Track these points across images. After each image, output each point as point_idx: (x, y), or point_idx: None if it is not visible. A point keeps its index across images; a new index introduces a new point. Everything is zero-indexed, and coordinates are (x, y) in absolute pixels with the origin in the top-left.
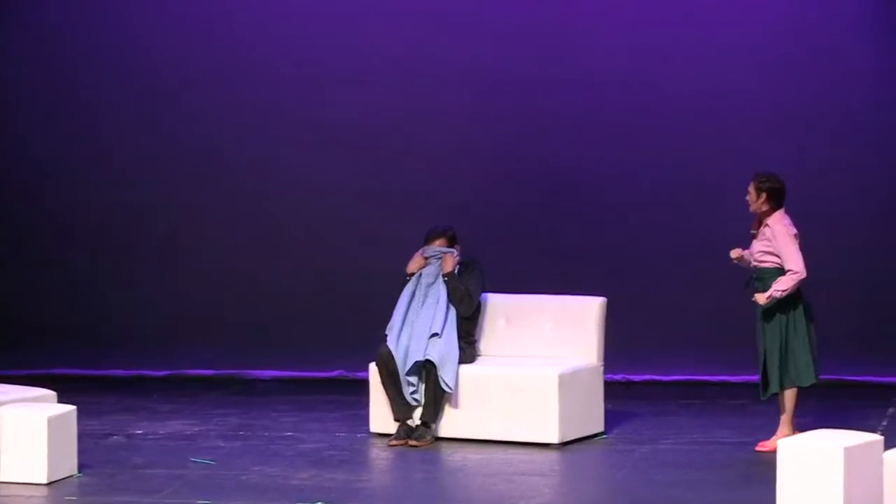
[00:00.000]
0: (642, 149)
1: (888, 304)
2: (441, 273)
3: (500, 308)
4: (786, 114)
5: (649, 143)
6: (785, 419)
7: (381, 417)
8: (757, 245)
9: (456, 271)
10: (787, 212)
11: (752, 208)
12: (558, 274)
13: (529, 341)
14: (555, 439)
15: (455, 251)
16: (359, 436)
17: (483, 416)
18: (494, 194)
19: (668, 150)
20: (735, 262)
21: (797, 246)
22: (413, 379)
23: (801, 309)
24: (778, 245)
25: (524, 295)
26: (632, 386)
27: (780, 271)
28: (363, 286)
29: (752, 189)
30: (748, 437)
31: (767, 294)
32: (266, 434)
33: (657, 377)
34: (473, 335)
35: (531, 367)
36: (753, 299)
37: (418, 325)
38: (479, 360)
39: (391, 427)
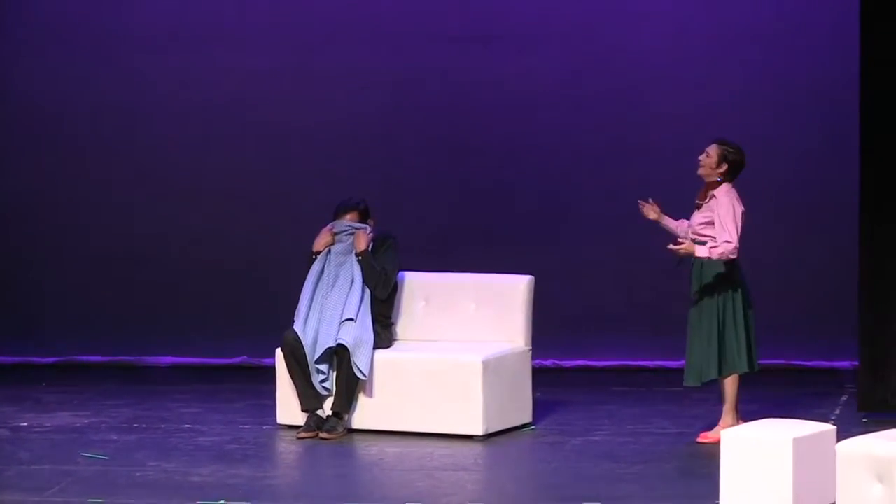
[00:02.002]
0: (572, 120)
1: (840, 285)
2: (353, 251)
3: (419, 288)
4: (729, 90)
5: (580, 114)
6: (727, 408)
7: (288, 408)
8: (698, 217)
9: (370, 249)
10: (736, 188)
11: (704, 173)
12: (481, 251)
13: (451, 324)
14: (479, 431)
15: (368, 227)
16: (264, 428)
17: (400, 405)
18: (409, 166)
19: (599, 121)
20: (647, 216)
21: (739, 224)
22: (323, 367)
23: (739, 292)
24: (720, 214)
25: (445, 274)
26: (562, 372)
27: None
28: (267, 265)
29: (713, 153)
30: (688, 428)
31: (686, 246)
32: (163, 426)
33: (590, 363)
34: (390, 317)
35: (453, 352)
36: (672, 247)
37: (328, 308)
38: (395, 345)
39: (300, 418)
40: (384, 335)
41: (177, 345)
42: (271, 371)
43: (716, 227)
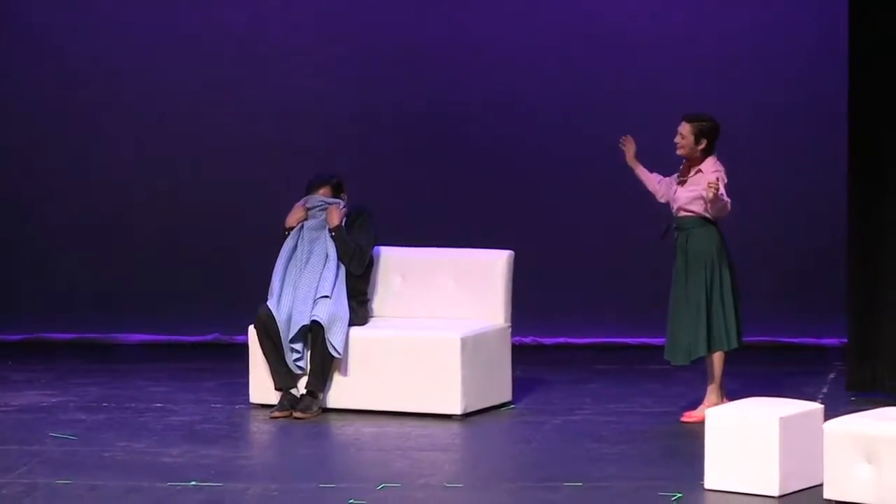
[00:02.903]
0: (551, 87)
1: (829, 261)
2: (327, 227)
3: (396, 263)
4: (714, 62)
5: (558, 81)
6: (713, 387)
7: (261, 387)
8: (683, 193)
9: (343, 224)
10: (721, 161)
11: (684, 153)
12: (458, 226)
13: (428, 300)
14: (457, 410)
15: (341, 202)
16: (237, 407)
17: (376, 384)
18: (385, 139)
19: (578, 89)
20: (626, 154)
21: (724, 184)
22: (297, 345)
23: (727, 266)
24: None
25: (422, 249)
26: (543, 350)
27: (705, 222)
28: (240, 241)
29: (685, 132)
30: (672, 406)
31: (714, 187)
32: (132, 406)
33: (571, 340)
34: (366, 294)
35: (430, 329)
36: (705, 191)
37: (302, 285)
38: (372, 322)
39: (273, 397)
40: (360, 312)
41: (147, 322)
42: (244, 349)
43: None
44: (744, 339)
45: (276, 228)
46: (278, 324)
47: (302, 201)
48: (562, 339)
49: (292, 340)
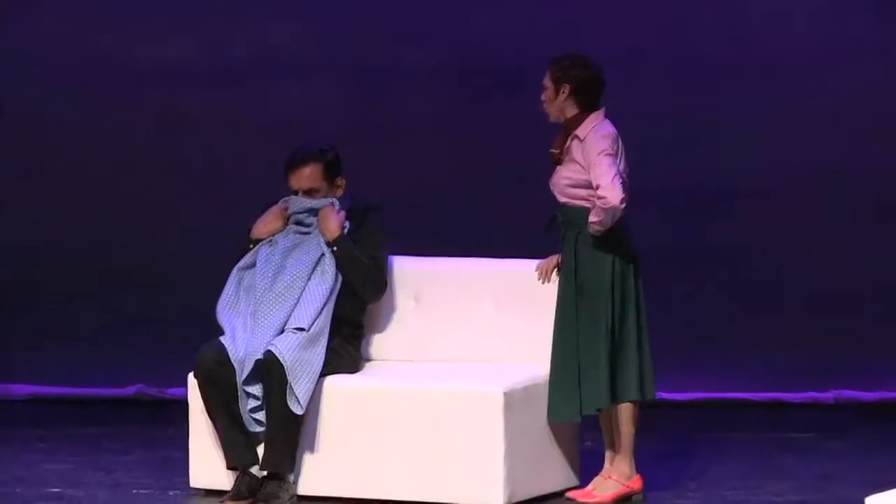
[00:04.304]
0: None
1: None
2: (324, 240)
3: (409, 280)
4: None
5: None
6: (625, 452)
7: (205, 463)
8: (563, 172)
9: (346, 231)
10: (608, 117)
11: (552, 112)
12: (496, 227)
13: (454, 335)
14: (499, 500)
15: (336, 201)
16: (171, 494)
17: (379, 462)
18: (392, 100)
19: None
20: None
21: (616, 164)
22: (254, 388)
23: (638, 276)
24: (590, 157)
25: (447, 259)
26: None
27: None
28: (174, 260)
29: (548, 81)
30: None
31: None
32: (17, 491)
33: (666, 395)
34: (360, 325)
35: (458, 378)
36: (541, 266)
37: (262, 312)
38: (368, 368)
39: (225, 479)
40: (349, 353)
41: (39, 367)
42: (180, 407)
43: (591, 176)
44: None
45: (236, 241)
46: (233, 364)
47: (281, 202)
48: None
49: (246, 381)
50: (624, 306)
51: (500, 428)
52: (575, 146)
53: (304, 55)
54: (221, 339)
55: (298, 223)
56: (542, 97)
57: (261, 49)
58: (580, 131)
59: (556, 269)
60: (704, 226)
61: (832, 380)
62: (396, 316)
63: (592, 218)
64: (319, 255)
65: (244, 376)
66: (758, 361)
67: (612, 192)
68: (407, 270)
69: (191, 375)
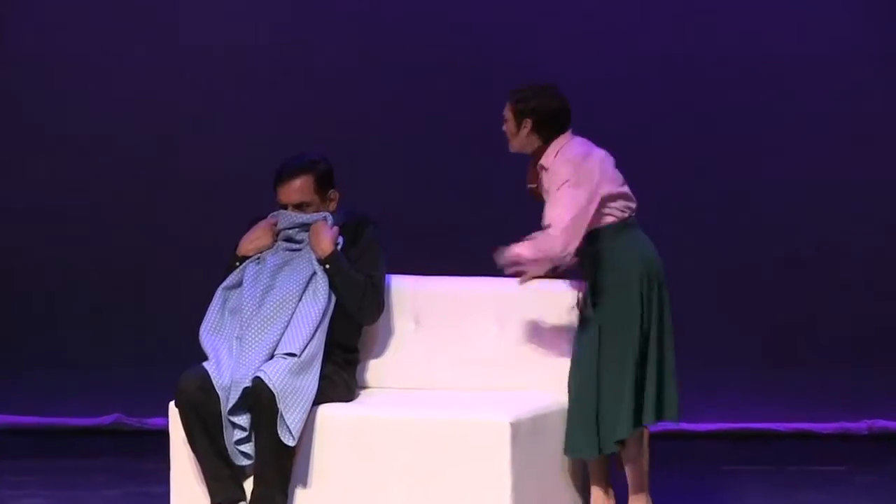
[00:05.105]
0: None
1: None
2: (316, 258)
3: (407, 300)
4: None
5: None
6: (641, 489)
7: (188, 499)
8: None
9: (339, 247)
10: (577, 136)
11: (513, 146)
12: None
13: (457, 359)
14: None
15: (328, 215)
16: None
17: (374, 495)
18: (385, 118)
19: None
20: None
21: (579, 195)
22: (241, 419)
23: (657, 302)
24: (550, 193)
25: (449, 279)
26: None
27: (620, 226)
28: (154, 277)
29: (508, 113)
30: None
31: (511, 256)
32: None
33: (691, 426)
34: (356, 350)
35: (460, 407)
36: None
37: (250, 335)
38: (364, 396)
39: None
40: (343, 380)
41: (9, 396)
42: (161, 438)
43: (545, 211)
44: None
45: (225, 256)
46: (217, 392)
47: (270, 217)
48: (672, 424)
49: (232, 411)
50: (650, 334)
51: (507, 461)
52: (544, 177)
53: (300, 60)
54: (205, 364)
55: (288, 240)
56: (504, 128)
57: (250, 54)
58: (545, 161)
59: (580, 300)
60: (727, 244)
61: (865, 408)
62: (394, 339)
63: (523, 251)
64: (311, 273)
65: (230, 405)
66: (788, 389)
67: (555, 242)
68: (406, 290)
69: (172, 404)
